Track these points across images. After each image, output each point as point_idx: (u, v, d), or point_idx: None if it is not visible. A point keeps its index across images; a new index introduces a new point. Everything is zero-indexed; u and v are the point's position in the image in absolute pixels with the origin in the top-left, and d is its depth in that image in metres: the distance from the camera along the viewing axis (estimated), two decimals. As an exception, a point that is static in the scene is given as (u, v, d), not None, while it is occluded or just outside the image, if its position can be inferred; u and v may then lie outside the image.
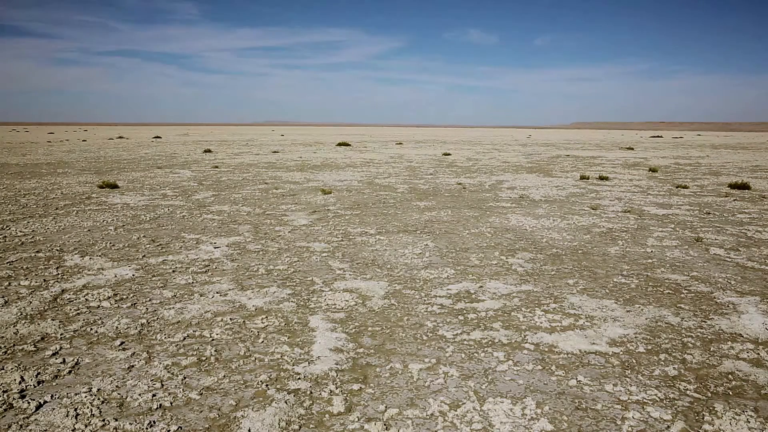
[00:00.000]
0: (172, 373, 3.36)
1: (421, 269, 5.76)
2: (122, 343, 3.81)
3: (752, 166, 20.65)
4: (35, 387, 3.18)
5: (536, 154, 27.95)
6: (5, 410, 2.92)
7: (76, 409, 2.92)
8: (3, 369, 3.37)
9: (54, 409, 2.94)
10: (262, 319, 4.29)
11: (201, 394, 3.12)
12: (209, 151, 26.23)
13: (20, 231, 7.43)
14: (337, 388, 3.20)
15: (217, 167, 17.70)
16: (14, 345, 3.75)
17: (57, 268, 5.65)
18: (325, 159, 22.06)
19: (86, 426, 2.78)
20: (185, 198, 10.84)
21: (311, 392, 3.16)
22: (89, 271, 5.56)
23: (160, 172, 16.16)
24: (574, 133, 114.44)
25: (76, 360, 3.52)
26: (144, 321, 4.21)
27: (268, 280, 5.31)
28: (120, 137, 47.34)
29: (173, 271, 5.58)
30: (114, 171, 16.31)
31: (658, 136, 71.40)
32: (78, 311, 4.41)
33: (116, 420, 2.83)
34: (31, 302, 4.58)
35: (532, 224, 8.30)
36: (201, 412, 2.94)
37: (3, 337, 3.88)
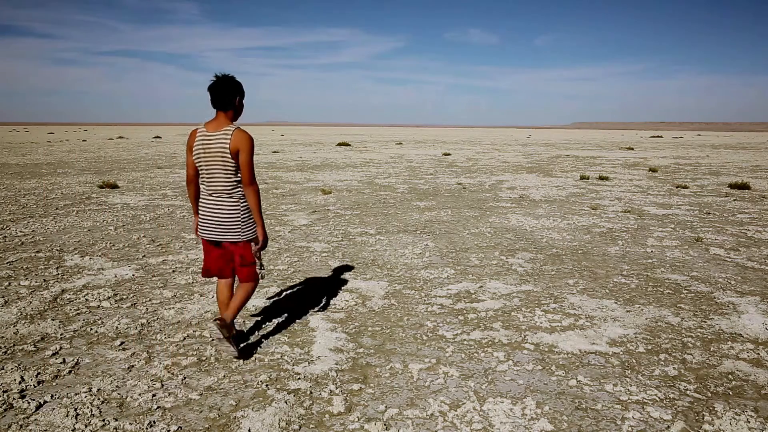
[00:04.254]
0: (172, 373, 3.35)
1: (421, 269, 5.76)
2: (122, 343, 3.81)
3: (752, 166, 20.65)
4: (35, 387, 3.18)
5: (536, 154, 27.95)
6: (5, 410, 2.92)
7: (76, 409, 2.92)
8: (3, 369, 3.37)
9: (54, 409, 2.93)
10: (263, 318, 4.29)
11: (201, 394, 3.12)
12: (209, 151, 26.20)
13: (20, 231, 7.43)
14: (337, 388, 3.20)
15: (217, 167, 17.68)
16: (14, 345, 3.75)
17: (57, 268, 5.64)
18: (325, 159, 22.07)
19: (86, 426, 2.78)
20: (185, 198, 10.83)
21: (311, 392, 3.16)
22: (89, 271, 5.56)
23: (160, 172, 16.16)
24: (574, 133, 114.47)
25: (76, 360, 3.52)
26: (144, 321, 4.21)
27: (267, 280, 5.31)
28: (120, 137, 47.34)
29: (173, 271, 5.58)
30: (114, 171, 16.31)
31: (658, 136, 71.41)
32: (78, 311, 4.41)
33: (116, 420, 2.83)
34: (31, 302, 4.58)
35: (532, 224, 8.30)
36: (201, 412, 2.94)
37: (3, 337, 3.88)
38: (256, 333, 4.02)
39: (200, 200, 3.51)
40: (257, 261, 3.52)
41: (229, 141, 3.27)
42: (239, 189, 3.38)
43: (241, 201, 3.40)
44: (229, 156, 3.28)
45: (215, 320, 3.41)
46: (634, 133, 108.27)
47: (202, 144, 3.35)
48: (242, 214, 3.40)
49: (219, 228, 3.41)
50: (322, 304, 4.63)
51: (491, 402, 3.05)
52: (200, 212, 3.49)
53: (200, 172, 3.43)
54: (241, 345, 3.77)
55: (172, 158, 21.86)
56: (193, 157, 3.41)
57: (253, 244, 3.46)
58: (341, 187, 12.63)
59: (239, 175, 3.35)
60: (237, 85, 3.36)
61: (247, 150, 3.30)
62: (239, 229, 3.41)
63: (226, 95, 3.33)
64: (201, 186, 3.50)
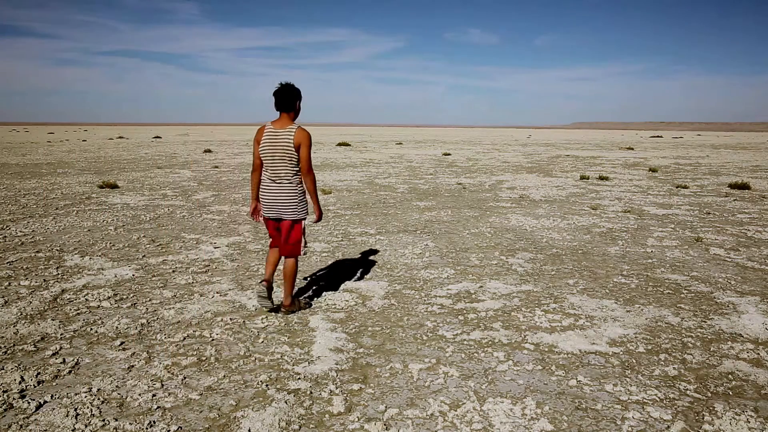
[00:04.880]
0: (172, 373, 3.35)
1: (421, 269, 5.76)
2: (122, 343, 3.80)
3: (752, 166, 20.65)
4: (35, 387, 3.18)
5: (536, 154, 27.95)
6: (5, 410, 2.92)
7: (76, 409, 2.92)
8: (3, 369, 3.37)
9: (54, 409, 2.93)
10: (262, 319, 4.29)
11: (201, 394, 3.12)
12: (209, 151, 26.23)
13: (20, 231, 7.43)
14: (337, 388, 3.20)
15: (217, 167, 17.70)
16: (14, 345, 3.75)
17: (57, 268, 5.64)
18: (325, 159, 22.06)
19: (86, 426, 2.78)
20: (185, 198, 10.84)
21: (311, 392, 3.16)
22: (89, 271, 5.56)
23: (160, 172, 16.16)
24: (574, 133, 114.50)
25: (76, 360, 3.52)
26: (144, 321, 4.21)
27: (268, 280, 5.31)
28: (120, 137, 47.34)
29: (173, 271, 5.58)
30: (114, 171, 16.32)
31: (658, 136, 71.40)
32: (78, 311, 4.41)
33: (116, 420, 2.83)
34: (31, 302, 4.58)
35: (532, 224, 8.30)
36: (201, 412, 2.94)
37: (3, 337, 3.88)
38: (256, 332, 4.02)
39: (262, 186, 4.25)
40: (303, 238, 4.30)
41: (293, 137, 4.04)
42: (298, 176, 4.16)
43: (299, 187, 4.19)
44: (293, 149, 4.05)
45: (261, 282, 4.26)
46: (634, 133, 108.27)
47: (270, 139, 4.10)
48: (299, 197, 4.19)
49: (280, 208, 4.18)
50: (322, 304, 4.63)
51: (491, 402, 3.05)
52: (263, 196, 4.25)
53: (264, 163, 4.17)
54: (242, 344, 3.78)
55: (172, 158, 21.86)
56: (260, 149, 4.13)
57: (305, 220, 4.29)
58: (341, 187, 12.63)
59: (299, 165, 4.11)
60: (297, 91, 4.13)
61: (306, 144, 4.08)
62: (296, 209, 4.20)
63: (290, 99, 4.09)
64: (264, 174, 4.22)
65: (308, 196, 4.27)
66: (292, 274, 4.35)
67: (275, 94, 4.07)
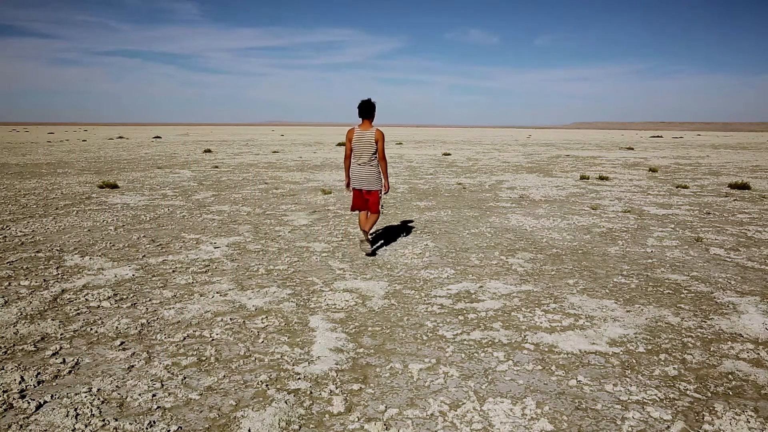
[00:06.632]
0: (172, 373, 3.35)
1: (421, 269, 5.76)
2: (122, 343, 3.80)
3: (752, 166, 20.65)
4: (35, 387, 3.18)
5: (536, 154, 27.95)
6: (5, 410, 2.92)
7: (76, 409, 2.92)
8: (3, 369, 3.37)
9: (54, 409, 2.93)
10: (262, 319, 4.29)
11: (201, 394, 3.12)
12: (209, 151, 26.23)
13: (20, 231, 7.43)
14: (337, 388, 3.20)
15: (217, 167, 17.70)
16: (14, 345, 3.75)
17: (57, 268, 5.64)
18: (325, 159, 22.06)
19: (86, 426, 2.78)
20: (185, 198, 10.84)
21: (311, 392, 3.16)
22: (89, 271, 5.56)
23: (160, 172, 16.16)
24: (574, 133, 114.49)
25: (76, 360, 3.52)
26: (144, 321, 4.21)
27: (268, 280, 5.31)
28: (120, 137, 47.34)
29: (173, 271, 5.58)
30: (114, 171, 16.31)
31: (658, 136, 71.38)
32: (78, 311, 4.41)
33: (116, 420, 2.83)
34: (31, 302, 4.58)
35: (532, 224, 8.30)
36: (201, 412, 2.94)
37: (3, 337, 3.88)
38: (256, 332, 4.02)
39: (352, 169, 6.29)
40: (380, 202, 6.37)
41: (374, 135, 6.15)
42: (375, 161, 6.24)
43: (377, 168, 6.27)
44: (373, 144, 6.15)
45: (364, 239, 6.24)
46: (634, 133, 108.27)
47: (359, 137, 6.19)
48: (377, 175, 6.29)
49: (366, 183, 6.26)
50: (321, 304, 4.63)
51: (491, 402, 3.05)
52: (353, 175, 6.29)
53: (354, 153, 6.23)
54: (242, 344, 3.78)
55: (172, 158, 21.86)
56: (352, 144, 6.22)
57: (381, 190, 6.33)
58: (341, 187, 12.63)
59: (376, 153, 6.19)
60: (374, 105, 6.18)
61: (382, 140, 6.18)
62: (376, 183, 6.29)
63: (371, 111, 6.15)
64: (352, 160, 6.27)
65: (381, 175, 6.31)
66: (375, 221, 6.39)
67: (360, 107, 6.12)
